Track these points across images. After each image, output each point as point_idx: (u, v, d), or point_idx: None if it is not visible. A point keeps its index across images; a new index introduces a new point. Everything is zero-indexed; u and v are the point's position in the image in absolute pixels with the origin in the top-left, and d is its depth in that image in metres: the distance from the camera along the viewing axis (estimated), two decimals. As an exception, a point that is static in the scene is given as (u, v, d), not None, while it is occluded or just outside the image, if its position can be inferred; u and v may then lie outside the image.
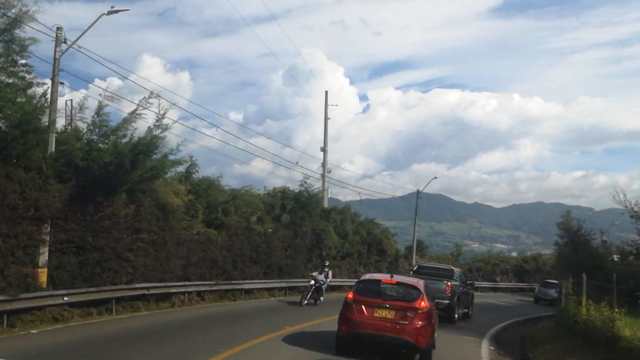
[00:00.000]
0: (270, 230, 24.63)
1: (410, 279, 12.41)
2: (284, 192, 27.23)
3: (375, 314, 10.67)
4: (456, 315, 19.18)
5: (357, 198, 34.38)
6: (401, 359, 10.87)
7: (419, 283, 11.64)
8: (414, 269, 22.41)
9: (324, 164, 31.28)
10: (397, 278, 11.89)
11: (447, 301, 18.50)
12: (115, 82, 60.29)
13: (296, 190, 27.72)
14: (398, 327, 10.47)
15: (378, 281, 11.71)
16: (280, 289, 24.97)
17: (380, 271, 35.61)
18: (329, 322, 14.63)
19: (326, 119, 31.39)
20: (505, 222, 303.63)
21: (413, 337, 10.43)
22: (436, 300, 15.65)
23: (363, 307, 10.80)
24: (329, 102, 31.57)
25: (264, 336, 12.60)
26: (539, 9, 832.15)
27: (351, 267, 33.00)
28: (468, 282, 22.74)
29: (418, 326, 10.50)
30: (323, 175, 31.26)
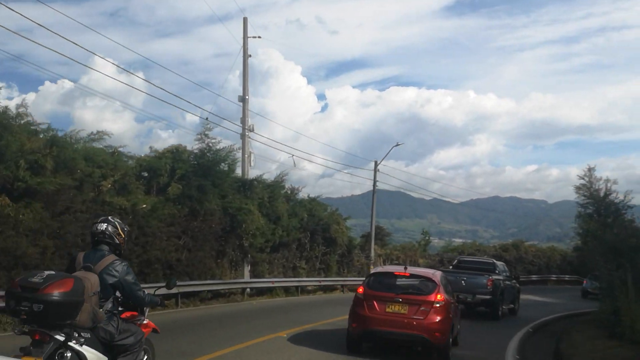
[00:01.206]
0: (145, 206, 15.61)
1: (425, 271, 11.93)
2: (176, 152, 18.20)
3: (388, 309, 10.00)
4: (500, 311, 17.98)
5: (292, 165, 25.24)
6: (416, 357, 10.46)
7: (435, 275, 10.87)
8: (454, 263, 21.60)
9: (243, 120, 22.36)
10: (411, 270, 11.08)
11: (488, 296, 17.50)
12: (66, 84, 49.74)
13: (194, 150, 18.71)
14: (412, 322, 9.81)
15: (390, 274, 11.01)
16: (172, 295, 16.13)
17: (329, 266, 27.05)
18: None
19: (245, 55, 22.45)
20: (463, 217, 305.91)
21: (428, 333, 9.75)
22: (477, 296, 16.87)
23: (374, 302, 10.12)
24: (249, 34, 22.60)
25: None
26: (489, 8, 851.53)
27: (288, 262, 24.25)
28: (513, 276, 21.12)
29: (434, 321, 9.82)
30: (243, 135, 22.34)
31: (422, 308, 9.91)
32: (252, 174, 22.58)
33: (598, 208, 21.47)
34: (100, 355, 4.57)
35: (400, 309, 9.96)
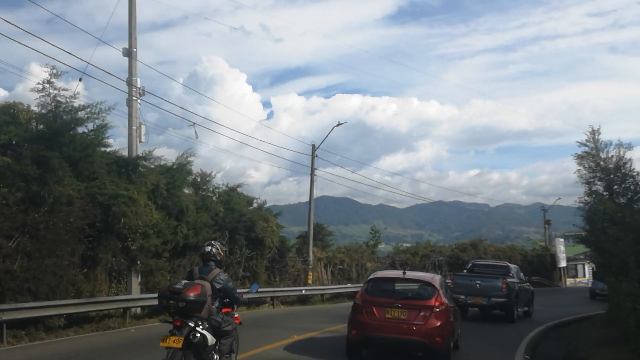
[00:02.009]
0: None
1: (424, 275, 11.68)
2: (8, 109, 12.16)
3: (387, 315, 9.71)
4: (515, 314, 17.61)
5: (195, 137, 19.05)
6: None
7: (434, 279, 10.61)
8: (468, 267, 21.16)
9: (129, 79, 16.48)
10: (410, 274, 10.76)
11: (504, 299, 17.14)
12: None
13: (36, 109, 12.70)
14: (412, 328, 9.54)
15: (389, 279, 10.85)
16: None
17: (256, 273, 21.45)
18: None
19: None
20: (409, 222, 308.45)
21: (429, 338, 9.52)
22: (492, 299, 17.02)
23: (373, 308, 9.83)
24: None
25: None
26: (430, 17, 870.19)
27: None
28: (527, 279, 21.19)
29: (434, 326, 9.54)
30: (130, 99, 16.48)
31: (422, 313, 9.70)
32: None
33: (610, 183, 16.69)
34: (212, 337, 6.55)
35: (400, 314, 9.75)
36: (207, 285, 6.56)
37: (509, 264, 20.53)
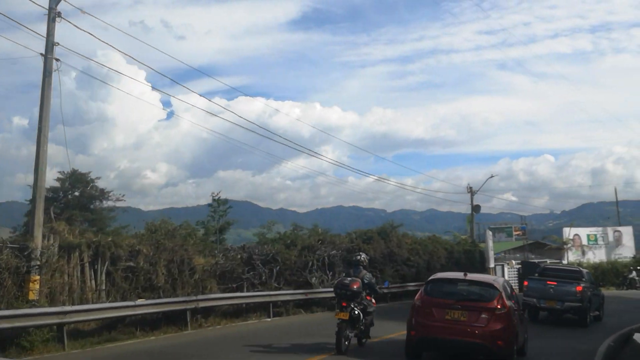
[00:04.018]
0: None
1: (486, 277, 11.87)
2: None
3: (447, 317, 9.68)
4: (588, 319, 17.77)
5: None
6: None
7: (497, 281, 10.59)
8: (538, 270, 20.71)
9: None
10: (471, 276, 10.72)
11: (578, 304, 17.40)
12: None
13: None
14: (473, 330, 9.46)
15: (449, 280, 10.88)
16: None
17: None
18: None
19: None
20: (309, 226, 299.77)
21: (490, 341, 9.35)
22: (566, 303, 17.28)
23: (433, 309, 9.86)
24: None
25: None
26: (334, 24, 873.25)
27: None
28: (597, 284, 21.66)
29: (495, 329, 9.41)
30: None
31: (482, 315, 9.54)
32: None
33: None
34: (361, 314, 11.15)
35: (460, 316, 9.64)
36: (359, 281, 11.31)
37: (581, 269, 20.51)
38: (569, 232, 46.30)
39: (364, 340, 11.62)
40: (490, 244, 36.58)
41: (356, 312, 10.96)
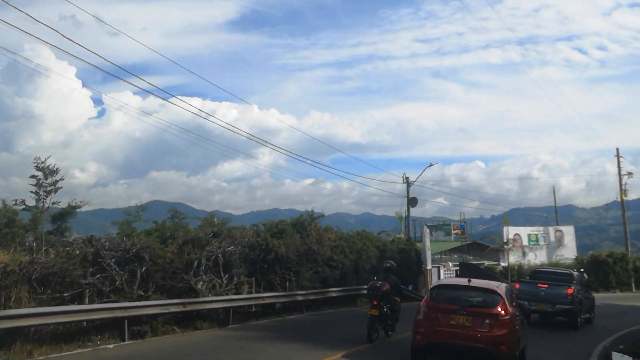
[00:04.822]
0: None
1: (489, 283, 11.63)
2: None
3: (452, 322, 9.95)
4: (579, 321, 17.94)
5: None
6: None
7: (500, 287, 10.78)
8: (530, 273, 21.60)
9: None
10: (475, 282, 10.92)
11: (568, 306, 17.52)
12: None
13: None
14: (477, 335, 9.71)
15: (454, 286, 11.34)
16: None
17: None
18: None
19: None
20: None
21: (492, 345, 9.61)
22: (557, 306, 17.47)
23: (438, 314, 10.13)
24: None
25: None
26: (272, 27, 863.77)
27: None
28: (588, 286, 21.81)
29: (499, 334, 9.70)
30: None
31: (486, 321, 9.75)
32: None
33: None
34: (389, 311, 13.65)
35: (465, 321, 9.84)
36: (387, 285, 13.61)
37: (572, 271, 20.22)
38: (509, 232, 43.17)
39: (390, 333, 14.05)
40: (428, 242, 32.39)
41: (385, 310, 13.50)
